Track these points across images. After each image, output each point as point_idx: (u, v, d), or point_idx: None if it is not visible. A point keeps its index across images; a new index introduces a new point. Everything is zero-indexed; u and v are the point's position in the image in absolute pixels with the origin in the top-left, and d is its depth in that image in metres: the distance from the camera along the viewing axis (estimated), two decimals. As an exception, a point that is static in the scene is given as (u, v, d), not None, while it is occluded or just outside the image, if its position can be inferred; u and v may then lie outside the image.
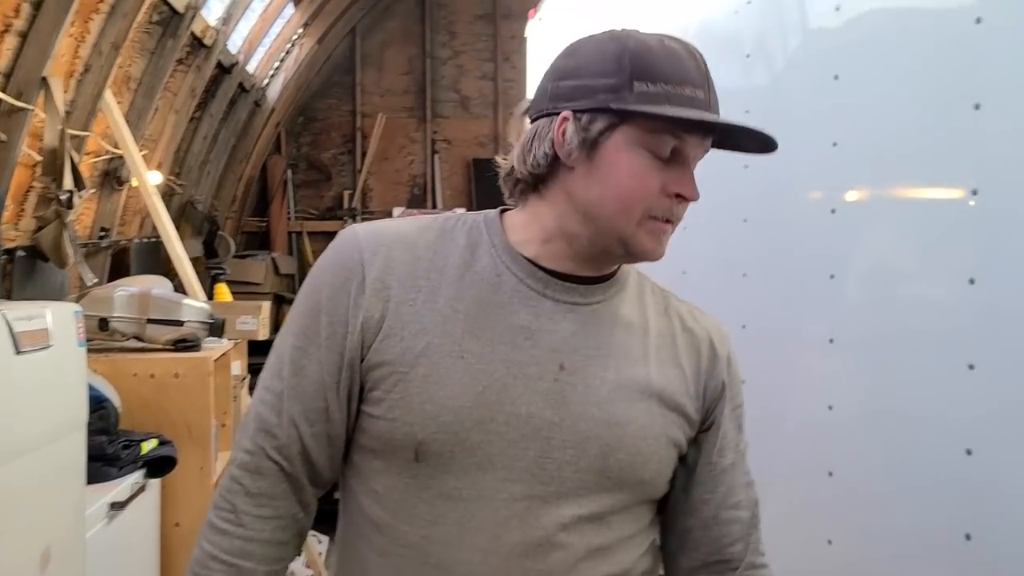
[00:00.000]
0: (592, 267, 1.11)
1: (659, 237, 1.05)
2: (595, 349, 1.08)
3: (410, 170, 8.65)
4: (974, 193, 1.50)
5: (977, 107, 1.48)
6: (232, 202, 7.76)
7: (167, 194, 6.01)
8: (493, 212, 1.15)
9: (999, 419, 1.46)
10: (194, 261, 6.04)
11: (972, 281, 1.49)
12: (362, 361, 1.06)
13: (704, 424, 1.16)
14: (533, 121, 1.08)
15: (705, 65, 1.04)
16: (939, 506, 1.58)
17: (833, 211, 1.93)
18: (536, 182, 1.09)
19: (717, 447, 1.16)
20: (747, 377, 2.37)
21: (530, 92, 4.35)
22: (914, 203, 1.72)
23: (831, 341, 1.93)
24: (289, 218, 8.22)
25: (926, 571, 1.62)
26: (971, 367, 1.49)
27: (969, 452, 1.49)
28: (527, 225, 1.11)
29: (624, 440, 1.06)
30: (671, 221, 1.06)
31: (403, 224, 1.12)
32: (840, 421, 1.90)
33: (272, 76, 7.39)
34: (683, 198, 1.05)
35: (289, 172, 8.21)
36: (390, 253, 1.08)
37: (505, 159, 1.14)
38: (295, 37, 7.33)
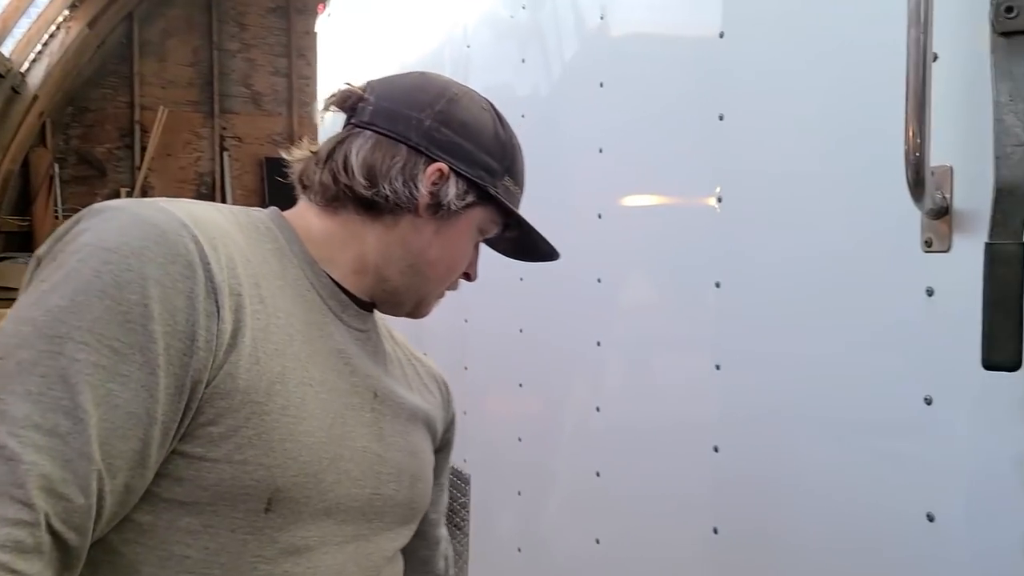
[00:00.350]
0: (367, 297, 1.05)
1: (437, 302, 1.11)
2: (388, 376, 1.05)
3: (196, 167, 8.17)
4: (719, 200, 1.56)
5: (721, 118, 1.54)
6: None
7: None
8: (273, 212, 1.02)
9: (743, 417, 1.52)
10: None
11: (718, 284, 1.55)
12: (206, 387, 0.81)
13: (438, 447, 1.20)
14: (384, 137, 1.00)
15: None
16: (690, 502, 1.64)
17: (600, 216, 1.96)
18: (371, 206, 0.99)
19: (444, 469, 1.25)
20: (524, 381, 2.40)
21: (322, 89, 4.20)
22: (667, 209, 1.78)
23: (599, 344, 1.96)
24: (56, 216, 7.52)
25: (680, 568, 1.68)
26: (717, 367, 1.55)
27: (716, 449, 1.55)
28: (333, 242, 1.00)
29: (422, 469, 1.08)
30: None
31: (211, 211, 0.91)
32: (606, 422, 1.93)
33: (34, 61, 6.70)
34: (468, 277, 1.11)
35: (56, 167, 7.49)
36: (226, 249, 0.86)
37: (313, 152, 1.04)
38: (60, 19, 6.69)
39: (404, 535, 1.06)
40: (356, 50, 4.35)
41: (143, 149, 7.87)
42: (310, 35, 5.46)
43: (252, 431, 0.83)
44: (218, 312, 0.82)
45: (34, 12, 6.20)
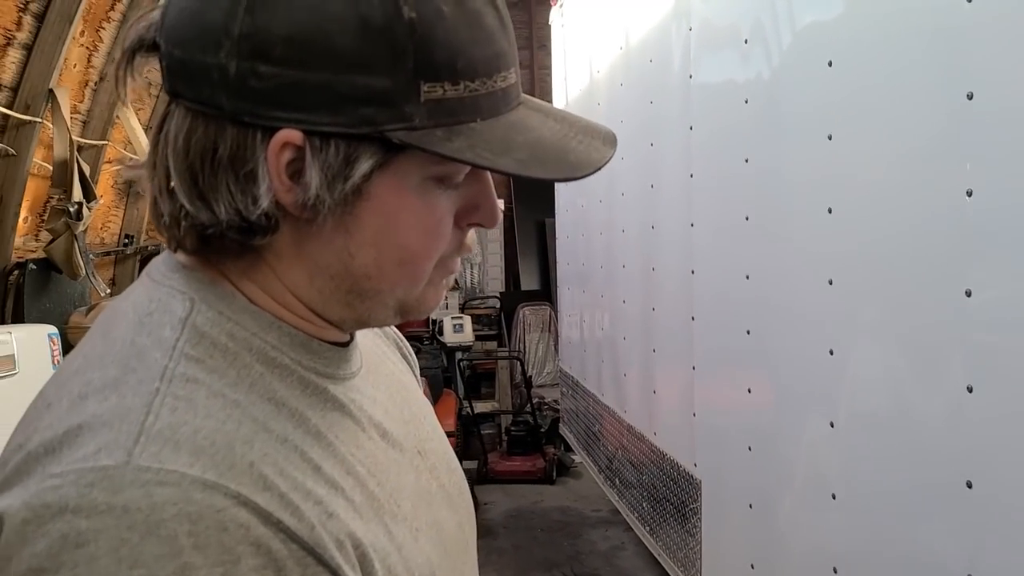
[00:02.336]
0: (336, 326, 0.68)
1: (444, 283, 0.67)
2: (404, 405, 0.77)
3: (447, 161, 8.58)
4: (969, 194, 1.32)
5: (970, 96, 1.31)
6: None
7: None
8: (181, 275, 0.62)
9: (999, 449, 1.29)
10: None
11: (968, 293, 1.33)
12: None
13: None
14: (195, 114, 0.57)
15: (504, 5, 0.62)
16: (942, 537, 1.43)
17: (830, 211, 1.76)
18: (234, 234, 0.59)
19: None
20: (754, 387, 2.23)
21: (557, 83, 4.27)
22: (908, 202, 1.55)
23: (831, 352, 1.77)
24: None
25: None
26: (970, 389, 1.33)
27: (969, 485, 1.33)
28: (251, 291, 0.63)
29: (458, 467, 0.83)
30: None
31: (199, 412, 0.54)
32: (841, 439, 1.74)
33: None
34: (481, 226, 0.66)
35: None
36: (268, 462, 0.55)
37: (139, 168, 0.63)
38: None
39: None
40: (586, 39, 4.32)
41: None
42: (549, 25, 5.51)
43: None
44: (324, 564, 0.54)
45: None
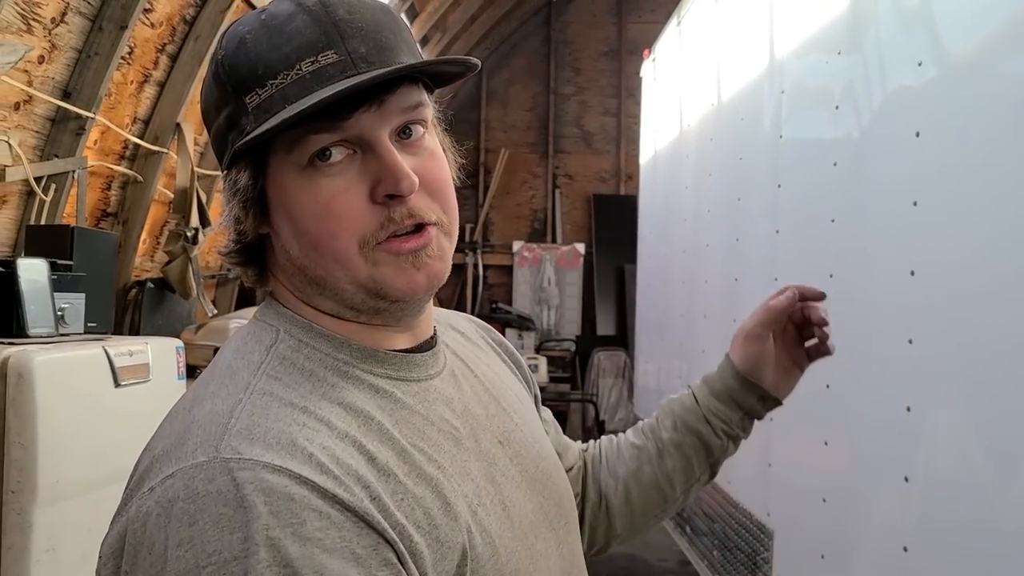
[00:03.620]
0: (404, 330, 0.83)
1: (410, 262, 0.75)
2: (492, 402, 0.90)
3: (531, 204, 8.78)
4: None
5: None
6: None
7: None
8: (272, 310, 0.81)
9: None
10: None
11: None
12: None
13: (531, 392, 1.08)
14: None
15: (335, 9, 0.72)
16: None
17: (912, 273, 1.83)
18: (248, 263, 0.81)
19: (538, 405, 1.10)
20: (830, 440, 2.28)
21: (645, 132, 4.42)
22: (991, 268, 1.61)
23: (908, 409, 1.83)
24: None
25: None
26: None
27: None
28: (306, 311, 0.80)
29: (554, 461, 0.96)
30: (410, 234, 0.75)
31: (271, 417, 0.69)
32: (914, 494, 1.79)
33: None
34: (397, 196, 0.73)
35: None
36: (345, 457, 0.70)
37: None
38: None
39: (576, 522, 0.96)
40: (677, 92, 4.45)
41: (486, 188, 8.63)
42: (638, 76, 5.67)
43: None
44: (390, 544, 0.67)
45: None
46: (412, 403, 0.79)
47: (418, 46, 0.80)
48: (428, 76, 0.78)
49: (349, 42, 0.72)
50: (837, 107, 2.30)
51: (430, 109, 0.80)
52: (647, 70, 5.36)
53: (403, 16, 6.72)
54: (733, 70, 3.37)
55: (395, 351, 0.81)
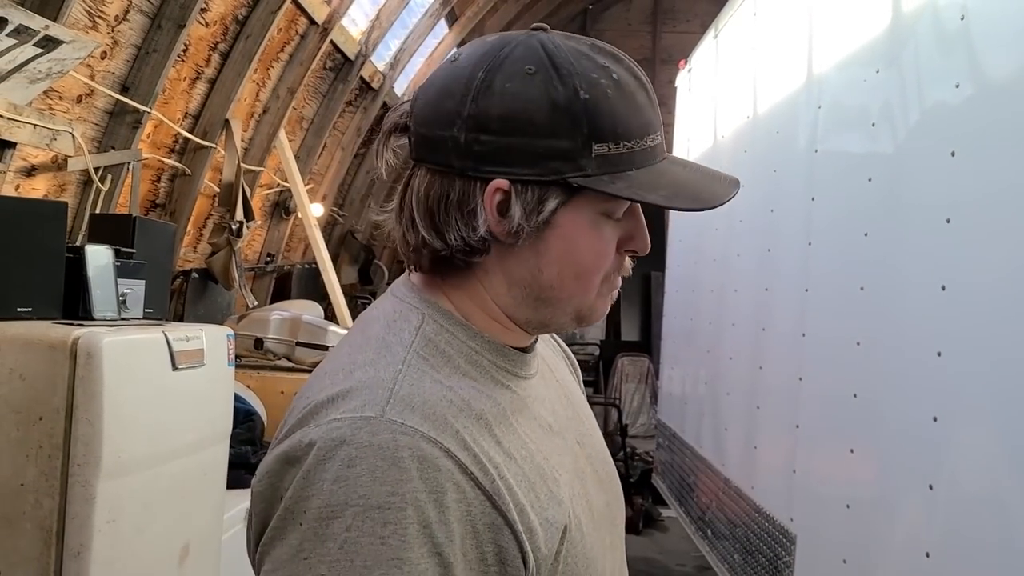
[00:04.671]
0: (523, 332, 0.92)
1: (610, 296, 0.89)
2: (569, 406, 0.99)
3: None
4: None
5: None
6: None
7: (330, 224, 6.48)
8: (416, 295, 0.88)
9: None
10: (350, 287, 6.47)
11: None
12: None
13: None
14: (434, 172, 0.82)
15: (651, 87, 0.84)
16: None
17: (944, 288, 1.90)
18: (460, 255, 0.84)
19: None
20: (856, 447, 2.34)
21: (679, 142, 4.48)
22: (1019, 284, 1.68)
23: (935, 419, 1.89)
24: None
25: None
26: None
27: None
28: (463, 302, 0.88)
29: (613, 465, 1.04)
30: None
31: (426, 391, 0.78)
32: (939, 501, 1.85)
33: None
34: (636, 254, 0.88)
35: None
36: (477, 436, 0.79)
37: (387, 213, 0.89)
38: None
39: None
40: (712, 104, 4.52)
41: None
42: (671, 84, 5.73)
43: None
44: (508, 525, 0.75)
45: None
46: (521, 395, 0.88)
47: None
48: None
49: (660, 126, 0.84)
50: (874, 124, 2.37)
51: None
52: (682, 80, 5.43)
53: (443, 21, 6.83)
54: (770, 83, 3.44)
55: (514, 348, 0.90)
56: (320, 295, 5.25)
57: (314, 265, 5.65)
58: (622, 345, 8.29)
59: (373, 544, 0.69)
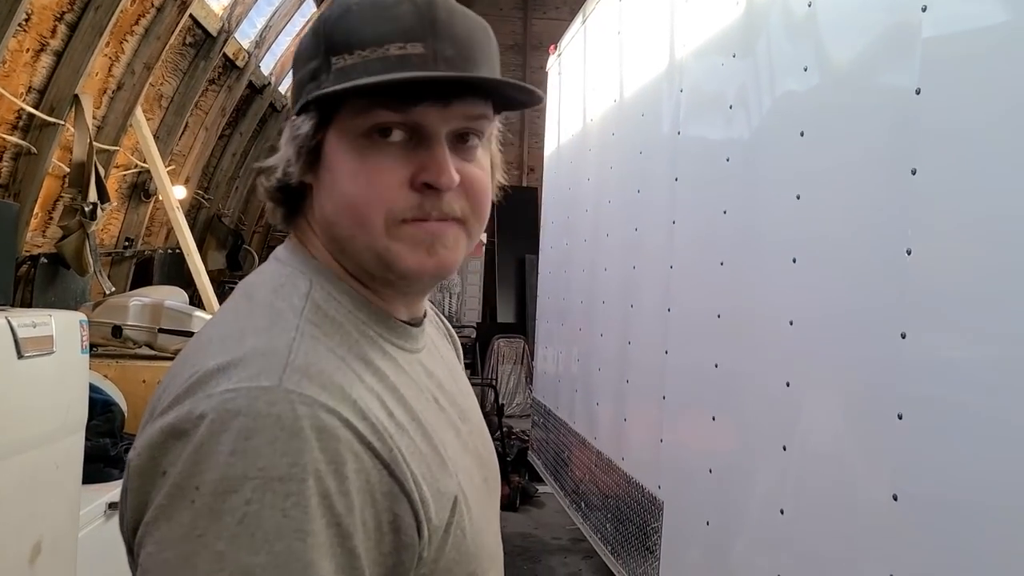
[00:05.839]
0: (408, 303, 0.91)
1: (425, 245, 0.81)
2: (453, 383, 0.97)
3: (434, 193, 8.82)
4: (908, 252, 1.58)
5: (913, 172, 1.57)
6: (260, 217, 7.97)
7: (194, 207, 6.22)
8: (298, 257, 0.87)
9: (925, 467, 1.53)
10: (217, 273, 6.24)
11: (903, 335, 1.57)
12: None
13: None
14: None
15: (437, 10, 0.79)
16: (867, 548, 1.66)
17: (794, 260, 2.01)
18: (284, 203, 0.86)
19: None
20: (717, 415, 2.46)
21: (550, 126, 4.54)
22: (858, 256, 1.80)
23: (788, 384, 2.01)
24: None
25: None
26: (900, 416, 1.57)
27: (895, 498, 1.57)
28: (327, 258, 0.86)
29: (491, 444, 1.03)
30: (439, 219, 0.81)
31: (321, 359, 0.76)
32: (792, 460, 1.97)
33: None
34: (432, 187, 0.79)
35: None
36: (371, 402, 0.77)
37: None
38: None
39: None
40: (581, 88, 4.60)
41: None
42: (544, 70, 5.79)
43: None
44: (405, 495, 0.75)
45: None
46: (408, 370, 0.86)
47: (499, 68, 0.85)
48: (498, 95, 0.83)
49: (439, 42, 0.78)
50: (731, 107, 2.47)
51: (491, 126, 0.85)
52: (552, 65, 5.50)
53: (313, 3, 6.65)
54: (635, 68, 3.54)
55: (400, 321, 0.88)
56: (185, 281, 5.04)
57: (178, 250, 5.41)
58: (498, 327, 8.36)
59: (275, 517, 0.66)
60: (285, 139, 0.84)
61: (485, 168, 0.86)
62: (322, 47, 0.79)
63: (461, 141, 0.82)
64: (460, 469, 0.86)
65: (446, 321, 1.14)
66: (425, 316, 0.94)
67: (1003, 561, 1.33)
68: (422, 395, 0.86)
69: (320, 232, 0.85)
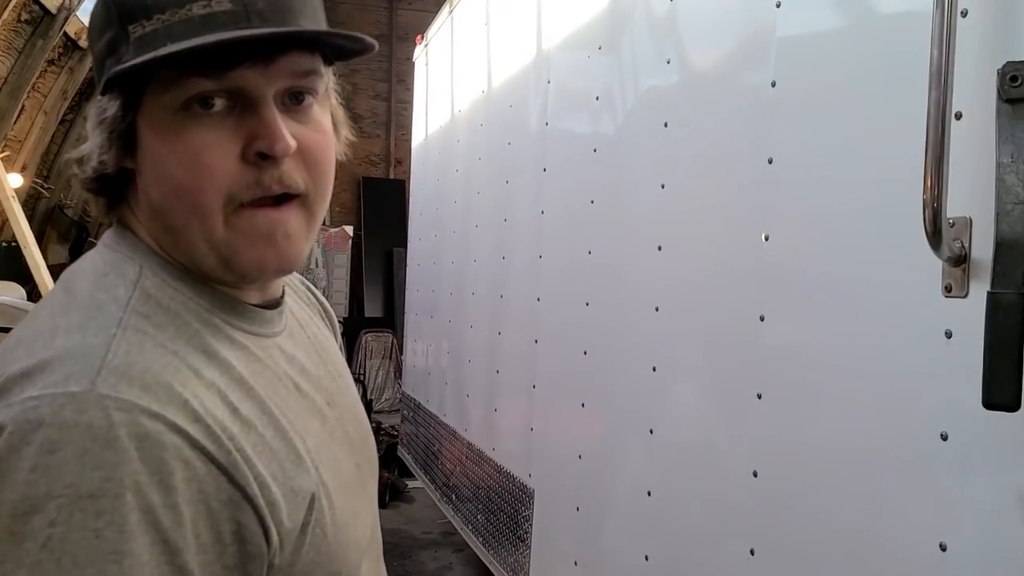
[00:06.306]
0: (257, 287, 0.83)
1: (264, 238, 0.73)
2: (321, 364, 0.90)
3: (298, 185, 8.59)
4: (766, 238, 1.65)
5: (770, 161, 1.64)
6: (107, 208, 7.51)
7: (32, 197, 5.79)
8: (127, 242, 0.78)
9: (782, 444, 1.60)
10: (59, 268, 5.83)
11: (762, 318, 1.64)
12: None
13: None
14: None
15: None
16: (731, 523, 1.73)
17: (660, 248, 2.07)
18: (103, 192, 0.77)
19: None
20: (587, 401, 2.51)
21: (418, 117, 4.47)
22: (720, 244, 1.87)
23: (654, 369, 2.06)
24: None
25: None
26: (759, 396, 1.64)
27: (755, 474, 1.64)
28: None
29: (369, 429, 0.97)
30: (281, 192, 0.73)
31: (147, 356, 0.68)
32: (659, 443, 2.03)
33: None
34: (268, 156, 0.71)
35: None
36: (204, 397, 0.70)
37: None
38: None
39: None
40: (449, 79, 4.58)
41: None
42: (410, 61, 5.74)
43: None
44: (248, 501, 0.68)
45: None
46: (263, 357, 0.79)
47: (324, 16, 0.78)
48: (325, 47, 0.76)
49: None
50: (597, 98, 2.51)
51: (325, 81, 0.78)
52: (419, 56, 5.45)
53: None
54: (503, 60, 3.55)
55: (252, 304, 0.80)
56: (23, 277, 4.67)
57: (15, 243, 5.00)
58: (365, 321, 8.24)
59: (85, 539, 0.59)
60: (92, 124, 0.73)
61: (326, 129, 0.78)
62: (114, 14, 0.70)
63: (295, 101, 0.74)
64: (322, 461, 0.80)
65: (319, 294, 1.06)
66: (284, 296, 0.87)
67: (856, 529, 1.40)
68: (279, 384, 0.80)
69: (148, 221, 0.76)
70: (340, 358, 1.01)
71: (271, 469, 0.71)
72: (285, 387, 0.80)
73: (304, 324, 0.94)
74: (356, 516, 0.85)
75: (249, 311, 0.80)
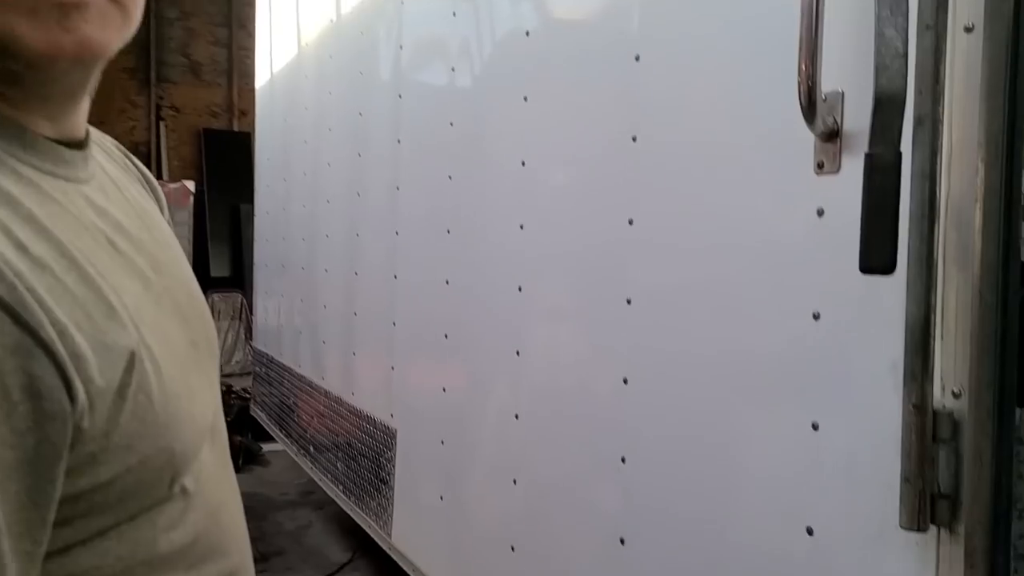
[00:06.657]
0: (49, 117, 0.69)
1: (55, 18, 0.60)
2: (144, 229, 0.78)
3: (131, 136, 7.97)
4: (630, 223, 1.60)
5: (634, 139, 1.59)
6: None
7: None
8: None
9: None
10: None
11: (629, 302, 1.60)
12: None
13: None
14: None
15: None
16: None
17: (522, 227, 1.99)
18: None
19: None
20: (450, 333, 2.41)
21: (261, 57, 4.15)
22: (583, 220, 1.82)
23: (518, 353, 2.00)
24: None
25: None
26: (625, 382, 1.60)
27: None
28: None
29: (202, 298, 0.86)
30: None
31: None
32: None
33: None
34: None
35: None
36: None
37: None
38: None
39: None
40: (294, 12, 4.32)
41: (75, 116, 7.66)
42: (251, 6, 5.39)
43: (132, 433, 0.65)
44: (43, 347, 0.57)
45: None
46: (63, 201, 0.66)
47: None
48: None
49: None
50: (453, 69, 2.40)
51: None
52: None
53: None
54: (354, 23, 3.34)
55: (49, 139, 0.67)
56: None
57: None
58: (212, 281, 7.80)
59: None
60: None
61: None
62: None
63: None
64: (144, 322, 0.68)
65: (143, 167, 0.93)
66: (89, 140, 0.74)
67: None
68: (85, 232, 0.68)
69: None
70: (169, 231, 0.88)
71: (75, 317, 0.60)
72: (94, 239, 0.69)
73: (121, 187, 0.80)
74: (192, 393, 0.74)
75: (41, 143, 0.67)
